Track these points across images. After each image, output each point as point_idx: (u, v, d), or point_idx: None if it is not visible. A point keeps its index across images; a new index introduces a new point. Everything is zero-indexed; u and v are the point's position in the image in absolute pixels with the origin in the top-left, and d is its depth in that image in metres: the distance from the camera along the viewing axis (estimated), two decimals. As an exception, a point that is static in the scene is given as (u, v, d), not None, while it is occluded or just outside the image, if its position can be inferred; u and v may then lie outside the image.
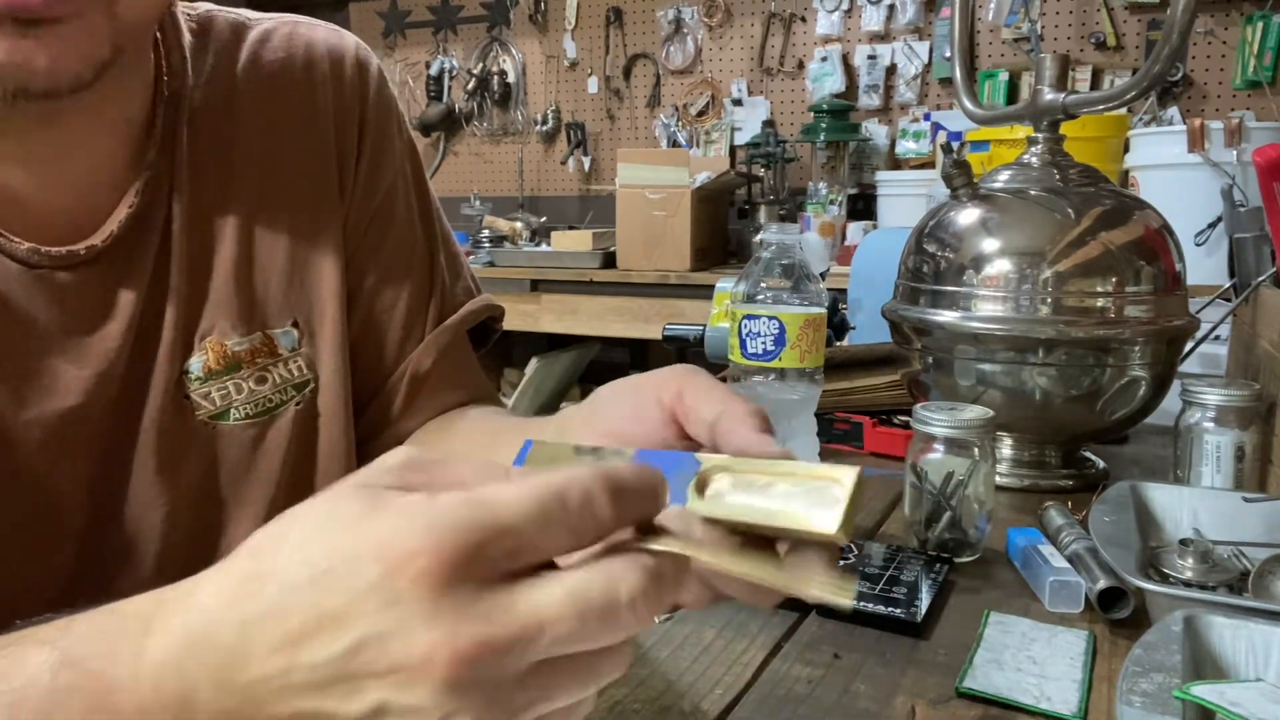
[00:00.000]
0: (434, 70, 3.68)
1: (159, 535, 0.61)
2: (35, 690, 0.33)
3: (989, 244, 0.90)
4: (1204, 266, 1.90)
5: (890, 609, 0.63)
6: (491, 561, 0.31)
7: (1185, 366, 0.99)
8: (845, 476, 0.36)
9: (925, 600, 0.65)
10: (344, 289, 0.69)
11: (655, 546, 0.33)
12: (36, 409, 0.57)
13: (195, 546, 0.63)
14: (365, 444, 0.74)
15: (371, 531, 0.31)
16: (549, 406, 3.22)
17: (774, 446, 0.40)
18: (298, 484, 0.67)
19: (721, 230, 3.03)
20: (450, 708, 0.30)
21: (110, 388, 0.59)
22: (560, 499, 0.31)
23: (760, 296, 0.82)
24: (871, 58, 3.08)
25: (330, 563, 0.31)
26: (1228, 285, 1.14)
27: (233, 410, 0.64)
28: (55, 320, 0.57)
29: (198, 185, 0.63)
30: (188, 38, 0.64)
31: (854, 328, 1.43)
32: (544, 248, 3.07)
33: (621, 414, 0.46)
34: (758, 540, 0.37)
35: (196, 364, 0.62)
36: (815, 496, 0.36)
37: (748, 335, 0.82)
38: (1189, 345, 0.98)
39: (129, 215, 0.59)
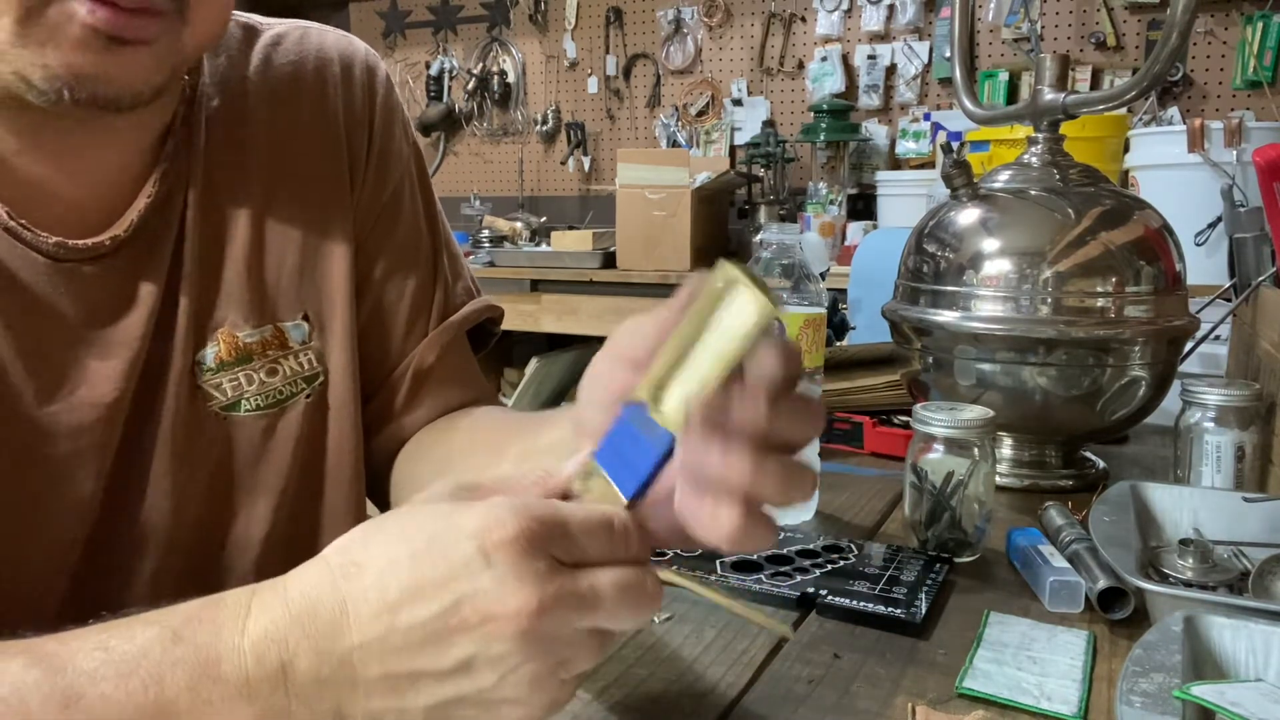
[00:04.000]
0: (434, 70, 3.68)
1: (169, 524, 0.62)
2: (147, 661, 0.37)
3: (989, 244, 0.90)
4: (1204, 266, 1.90)
5: (890, 609, 0.63)
6: (558, 546, 0.38)
7: (1185, 366, 0.99)
8: (728, 283, 0.38)
9: (925, 600, 0.65)
10: (353, 284, 0.70)
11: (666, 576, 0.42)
12: (64, 401, 0.58)
13: (203, 536, 0.65)
14: (368, 439, 0.74)
15: (463, 517, 0.38)
16: (549, 407, 3.21)
17: None
18: (308, 475, 0.69)
19: (721, 230, 3.03)
20: (524, 657, 0.37)
21: (133, 379, 0.60)
22: (608, 521, 0.40)
23: (760, 296, 0.82)
24: (871, 58, 3.08)
25: (428, 542, 0.38)
26: (1228, 285, 1.14)
27: (244, 401, 0.65)
28: (80, 313, 0.59)
29: (211, 180, 0.65)
30: None
31: (854, 328, 1.43)
32: (544, 248, 3.06)
33: (595, 379, 0.47)
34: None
35: (209, 354, 0.64)
36: (726, 311, 0.39)
37: (748, 335, 0.81)
38: (1189, 345, 0.98)
39: (148, 205, 0.61)
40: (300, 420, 0.67)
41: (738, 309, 0.38)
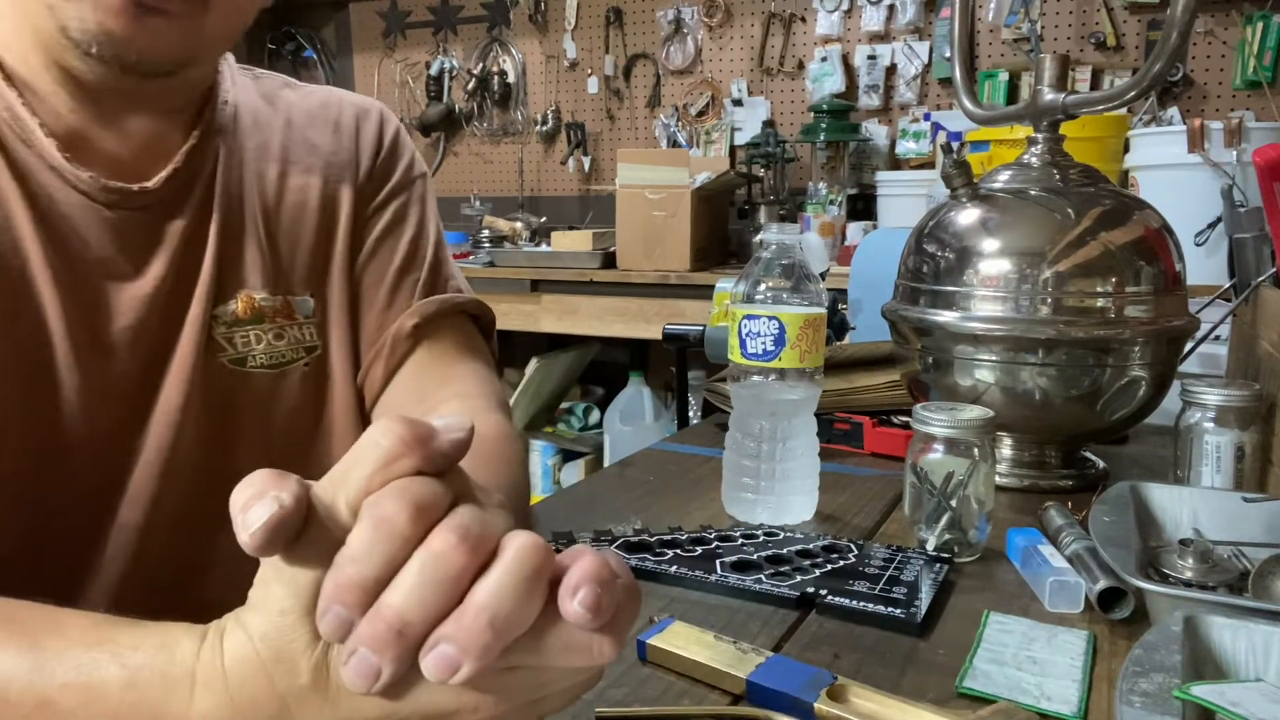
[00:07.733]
0: (434, 70, 3.68)
1: (167, 465, 0.66)
2: (103, 705, 0.39)
3: (989, 244, 0.90)
4: (1204, 266, 1.90)
5: (890, 609, 0.63)
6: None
7: (1185, 366, 0.99)
8: None
9: (925, 600, 0.65)
10: (352, 272, 0.76)
11: None
12: (91, 330, 0.63)
13: (200, 484, 0.68)
14: (363, 408, 0.78)
15: None
16: (549, 407, 3.22)
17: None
18: (308, 440, 0.74)
19: (721, 230, 3.03)
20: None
21: (153, 316, 0.65)
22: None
23: (760, 296, 0.82)
24: (871, 58, 3.08)
25: None
26: (1228, 285, 1.14)
27: (250, 358, 0.70)
28: (108, 249, 0.64)
29: (233, 161, 0.72)
30: (233, 64, 0.77)
31: (854, 328, 1.43)
32: (544, 248, 3.06)
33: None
34: None
35: (227, 310, 0.69)
36: None
37: (748, 335, 0.82)
38: (1189, 345, 0.98)
39: (173, 170, 0.67)
40: (299, 385, 0.73)
41: None
